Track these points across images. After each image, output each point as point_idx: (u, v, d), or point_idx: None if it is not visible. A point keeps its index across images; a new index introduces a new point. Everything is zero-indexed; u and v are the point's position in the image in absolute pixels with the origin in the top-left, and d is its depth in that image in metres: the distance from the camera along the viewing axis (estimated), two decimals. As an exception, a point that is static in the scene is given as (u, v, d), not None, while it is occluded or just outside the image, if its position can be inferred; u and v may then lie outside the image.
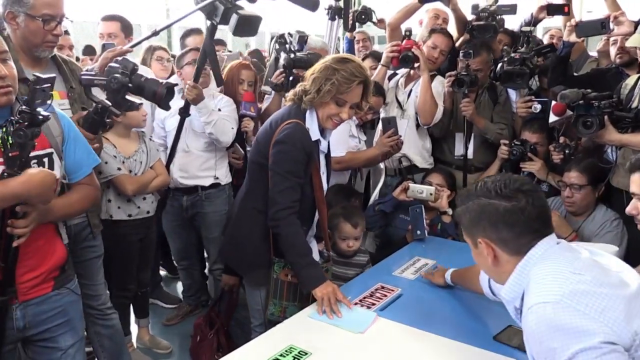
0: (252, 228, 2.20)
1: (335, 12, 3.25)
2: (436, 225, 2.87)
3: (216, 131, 2.94)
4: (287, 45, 3.13)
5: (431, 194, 2.76)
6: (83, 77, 2.26)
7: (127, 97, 2.18)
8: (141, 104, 2.32)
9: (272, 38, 3.61)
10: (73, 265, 1.95)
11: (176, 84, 2.43)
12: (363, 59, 3.64)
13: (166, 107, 2.37)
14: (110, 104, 2.12)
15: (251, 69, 3.29)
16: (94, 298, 2.42)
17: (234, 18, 2.46)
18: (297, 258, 2.06)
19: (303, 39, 3.18)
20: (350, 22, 3.62)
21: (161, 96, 2.22)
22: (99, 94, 2.23)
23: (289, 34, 3.24)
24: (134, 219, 2.76)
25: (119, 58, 2.25)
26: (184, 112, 2.95)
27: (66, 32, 2.89)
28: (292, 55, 3.01)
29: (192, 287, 3.52)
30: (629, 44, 2.55)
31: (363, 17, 3.83)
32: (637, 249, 2.46)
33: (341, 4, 3.23)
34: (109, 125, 2.21)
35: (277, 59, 3.19)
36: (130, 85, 2.17)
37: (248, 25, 2.56)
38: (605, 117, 2.46)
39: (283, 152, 2.05)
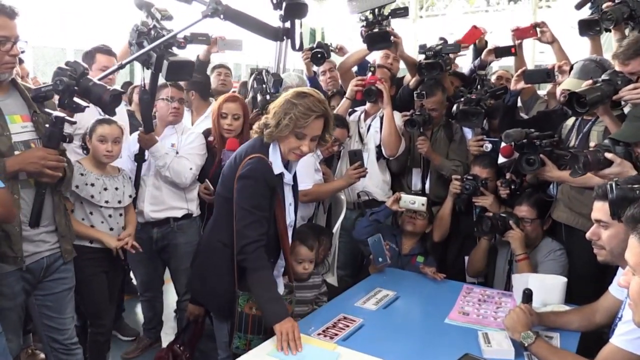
0: (217, 262, 2.21)
1: (283, 33, 3.25)
2: (415, 256, 2.97)
3: (171, 174, 2.97)
4: (264, 86, 3.19)
5: (423, 205, 2.85)
6: (34, 91, 2.27)
7: (76, 99, 2.21)
8: (87, 106, 2.31)
9: (251, 73, 3.65)
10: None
11: (123, 92, 2.42)
12: (330, 97, 3.78)
13: (110, 113, 2.42)
14: (64, 115, 2.15)
15: (236, 101, 3.11)
16: (61, 332, 2.36)
17: (164, 64, 2.47)
18: (262, 292, 2.07)
19: (278, 82, 3.25)
20: (298, 42, 3.31)
21: (105, 102, 2.25)
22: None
23: (266, 71, 3.30)
24: (95, 247, 2.66)
25: (71, 60, 2.29)
26: (139, 158, 2.95)
27: (20, 61, 2.84)
28: (267, 97, 3.08)
29: (154, 319, 3.48)
30: (562, 86, 2.71)
31: (319, 55, 3.66)
32: (576, 279, 2.61)
33: (288, 25, 3.07)
34: (68, 138, 2.22)
35: (254, 98, 3.25)
36: (76, 87, 2.20)
37: (180, 70, 2.52)
38: (541, 155, 2.63)
39: (247, 186, 2.10)
